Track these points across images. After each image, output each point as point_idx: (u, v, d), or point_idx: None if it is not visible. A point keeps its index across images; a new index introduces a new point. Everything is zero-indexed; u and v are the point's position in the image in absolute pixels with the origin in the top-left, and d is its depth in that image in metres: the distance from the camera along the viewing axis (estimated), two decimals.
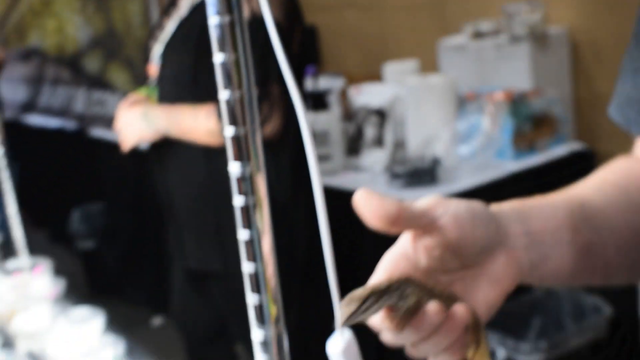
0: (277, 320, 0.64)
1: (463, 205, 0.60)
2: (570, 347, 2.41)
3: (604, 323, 2.51)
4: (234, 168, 0.61)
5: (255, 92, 0.61)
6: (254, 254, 0.62)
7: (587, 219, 0.69)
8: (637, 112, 0.78)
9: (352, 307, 0.53)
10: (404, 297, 0.55)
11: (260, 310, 0.63)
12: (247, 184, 0.62)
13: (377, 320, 0.56)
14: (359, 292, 0.54)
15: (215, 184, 1.97)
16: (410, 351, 0.60)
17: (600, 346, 2.50)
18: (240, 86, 0.60)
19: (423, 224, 0.58)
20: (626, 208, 0.73)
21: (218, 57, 0.59)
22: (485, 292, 0.61)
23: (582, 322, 2.48)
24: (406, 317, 0.55)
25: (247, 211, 0.62)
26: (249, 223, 0.63)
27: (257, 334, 0.63)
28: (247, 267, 0.63)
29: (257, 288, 0.63)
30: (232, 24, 0.59)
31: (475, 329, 0.59)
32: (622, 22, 2.94)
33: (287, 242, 2.07)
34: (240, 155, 0.61)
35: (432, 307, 0.55)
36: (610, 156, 2.95)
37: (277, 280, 0.64)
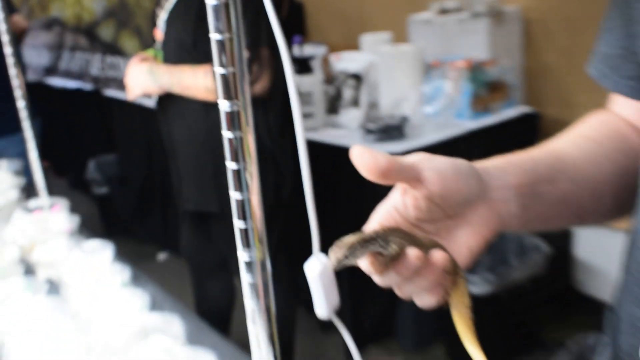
0: (260, 243, 0.62)
1: (446, 161, 0.59)
2: (513, 280, 2.43)
3: (543, 260, 2.52)
4: (224, 106, 0.58)
5: (243, 36, 0.57)
6: (241, 185, 0.59)
7: (563, 171, 0.68)
8: (609, 68, 0.74)
9: (341, 252, 0.52)
10: (389, 244, 0.54)
11: (245, 234, 0.60)
12: (234, 120, 0.59)
13: (365, 265, 0.55)
14: (348, 239, 0.53)
15: (213, 135, 1.95)
16: (396, 291, 0.59)
17: (539, 279, 2.52)
18: (229, 29, 0.57)
19: (410, 177, 0.57)
20: (598, 158, 0.71)
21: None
22: (468, 239, 0.60)
23: (524, 259, 2.49)
24: (389, 262, 0.54)
25: (234, 145, 0.59)
26: (236, 157, 0.60)
27: (242, 255, 0.60)
28: (234, 196, 0.60)
29: (243, 215, 0.60)
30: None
31: (453, 273, 0.57)
32: (567, 4, 2.92)
33: (275, 179, 2.08)
34: (228, 95, 0.58)
35: (412, 253, 0.54)
36: (553, 118, 2.93)
37: (261, 209, 0.61)
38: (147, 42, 2.33)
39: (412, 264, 0.54)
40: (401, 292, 0.58)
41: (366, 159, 0.55)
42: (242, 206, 0.60)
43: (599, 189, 0.71)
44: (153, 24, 2.21)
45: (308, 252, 0.61)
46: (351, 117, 2.72)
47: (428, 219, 0.59)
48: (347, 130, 2.70)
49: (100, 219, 4.12)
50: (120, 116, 3.97)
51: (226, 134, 0.60)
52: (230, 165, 0.60)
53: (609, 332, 0.72)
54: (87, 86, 4.51)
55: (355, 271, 0.58)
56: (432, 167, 0.57)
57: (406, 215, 0.59)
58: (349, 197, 2.53)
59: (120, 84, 3.53)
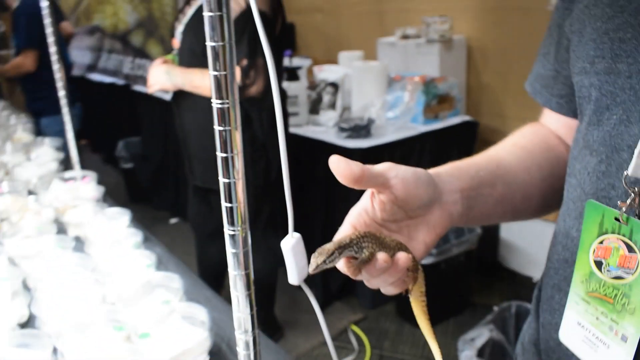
0: (243, 222, 0.57)
1: (409, 170, 0.56)
2: (452, 254, 2.41)
3: (475, 238, 2.50)
4: (216, 103, 0.55)
5: (234, 45, 0.53)
6: (228, 172, 0.56)
7: (501, 176, 0.66)
8: (542, 86, 0.71)
9: (322, 258, 0.51)
10: (361, 249, 0.52)
11: (231, 212, 0.56)
12: (225, 116, 0.55)
13: (341, 266, 0.53)
14: (327, 247, 0.51)
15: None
16: (366, 283, 0.56)
17: (471, 254, 2.51)
18: (222, 38, 0.52)
19: (378, 183, 0.55)
20: (530, 165, 0.69)
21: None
22: (424, 236, 0.58)
23: (461, 237, 2.47)
24: (361, 265, 0.52)
25: (224, 137, 0.56)
26: (225, 148, 0.56)
27: (228, 231, 0.56)
28: (223, 180, 0.56)
29: (229, 199, 0.56)
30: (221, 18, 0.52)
31: (414, 269, 0.56)
32: (502, 36, 2.90)
33: (266, 165, 2.03)
34: (220, 94, 0.55)
35: (381, 257, 0.52)
36: (488, 126, 2.89)
37: (245, 191, 0.57)
38: (168, 49, 2.30)
39: (381, 266, 0.52)
40: (370, 284, 0.56)
41: (342, 167, 0.53)
42: (229, 189, 0.56)
43: (529, 191, 0.68)
44: (172, 34, 2.16)
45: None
46: (329, 117, 2.67)
47: (392, 219, 0.57)
48: (325, 128, 2.65)
49: (126, 189, 4.07)
50: (144, 106, 3.90)
51: (217, 127, 0.56)
52: (220, 154, 0.56)
53: (534, 307, 0.69)
54: (119, 82, 4.43)
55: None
56: (397, 175, 0.55)
57: (374, 217, 0.57)
58: (325, 181, 2.49)
59: (146, 81, 3.48)
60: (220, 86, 0.55)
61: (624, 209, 0.51)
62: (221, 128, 0.56)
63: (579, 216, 0.58)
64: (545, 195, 0.69)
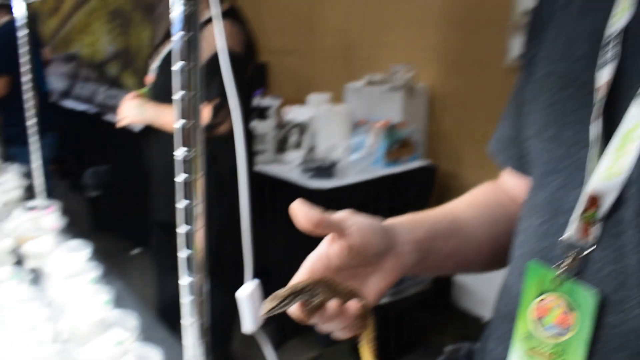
0: (200, 270, 0.57)
1: (365, 220, 0.58)
2: (406, 294, 2.42)
3: (429, 279, 2.52)
4: (180, 153, 0.55)
5: (200, 96, 0.54)
6: (188, 219, 0.55)
7: (455, 230, 0.68)
8: (501, 147, 0.74)
9: (274, 303, 0.51)
10: (315, 295, 0.53)
11: (188, 261, 0.56)
12: (188, 165, 0.56)
13: (293, 312, 0.54)
14: (282, 292, 0.52)
15: None
16: (318, 327, 0.57)
17: (425, 293, 2.52)
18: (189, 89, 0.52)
19: (337, 230, 0.56)
20: (482, 222, 0.71)
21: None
22: (377, 283, 0.59)
23: (415, 278, 2.48)
24: (313, 310, 0.53)
25: (187, 185, 0.56)
26: (189, 194, 0.56)
27: (185, 279, 0.55)
28: (182, 230, 0.55)
29: (188, 245, 0.55)
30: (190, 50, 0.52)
31: (364, 317, 0.57)
32: (462, 85, 2.98)
33: (229, 206, 2.01)
34: (186, 143, 0.55)
35: (332, 304, 0.53)
36: (446, 170, 2.93)
37: (205, 239, 0.57)
38: (142, 82, 2.30)
39: (331, 314, 0.53)
40: (322, 328, 0.57)
41: (302, 214, 0.54)
42: (188, 237, 0.55)
43: (481, 247, 0.70)
44: (146, 70, 2.16)
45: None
46: (294, 156, 2.68)
47: (348, 266, 0.58)
48: (290, 167, 2.66)
49: (91, 217, 3.98)
50: (114, 136, 3.84)
51: (181, 177, 0.56)
52: (181, 203, 0.56)
53: (480, 357, 0.70)
54: (92, 110, 4.38)
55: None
56: (354, 224, 0.56)
57: (331, 262, 0.57)
58: (287, 220, 2.47)
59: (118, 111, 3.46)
60: (186, 135, 0.55)
61: (562, 269, 0.53)
62: (185, 177, 0.55)
63: (522, 274, 0.59)
64: (496, 252, 0.71)
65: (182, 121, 0.53)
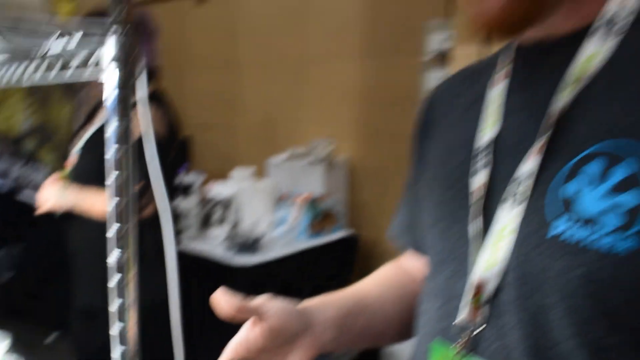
0: (133, 343, 0.59)
1: (282, 303, 0.64)
2: None
3: (355, 351, 2.54)
4: (112, 230, 0.58)
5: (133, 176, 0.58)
6: (122, 294, 0.58)
7: (363, 308, 0.75)
8: (402, 232, 0.82)
9: None
10: None
11: (122, 335, 0.58)
12: (122, 242, 0.59)
13: None
14: None
15: (102, 249, 1.87)
16: None
17: None
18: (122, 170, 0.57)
19: (257, 314, 0.61)
20: (388, 300, 0.78)
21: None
22: None
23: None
24: None
25: (121, 261, 0.58)
26: (121, 269, 0.58)
27: (116, 352, 0.57)
28: (115, 303, 0.58)
29: (121, 318, 0.58)
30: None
31: None
32: (379, 156, 3.12)
33: (157, 283, 1.98)
34: (120, 219, 0.58)
35: None
36: (368, 239, 3.02)
37: (137, 314, 0.60)
38: (61, 158, 2.26)
39: None
40: None
41: (223, 303, 0.58)
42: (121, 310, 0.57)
43: (390, 322, 0.78)
44: (68, 152, 2.12)
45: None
46: (219, 232, 2.69)
47: (269, 347, 0.63)
48: (215, 243, 2.65)
49: (3, 301, 3.73)
50: (31, 215, 3.68)
51: (115, 252, 0.58)
52: (114, 277, 0.58)
53: None
54: (7, 185, 4.19)
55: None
56: (272, 308, 0.62)
57: (253, 345, 0.62)
58: (210, 287, 2.45)
59: (34, 188, 3.35)
60: (119, 212, 0.57)
61: (460, 347, 0.60)
62: (119, 253, 0.57)
63: (427, 351, 0.65)
64: (405, 324, 0.78)
65: (116, 199, 0.57)
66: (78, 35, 0.55)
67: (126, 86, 0.56)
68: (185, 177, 3.03)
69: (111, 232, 0.59)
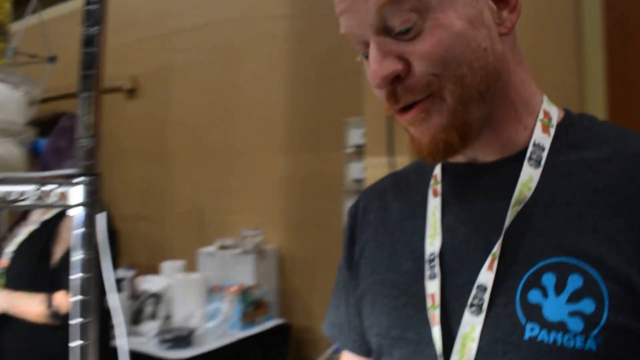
0: None
1: None
2: None
3: None
4: (76, 321, 0.64)
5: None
6: None
7: None
8: (338, 332, 0.82)
9: None
10: None
11: None
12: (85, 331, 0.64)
13: None
14: None
15: (40, 352, 1.86)
16: None
17: None
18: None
19: None
20: None
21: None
22: None
23: None
24: None
25: (83, 350, 0.64)
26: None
27: None
28: None
29: None
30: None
31: None
32: (307, 246, 3.23)
33: None
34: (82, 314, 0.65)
35: None
36: (300, 326, 3.09)
37: None
38: None
39: None
40: None
41: None
42: None
43: None
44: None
45: None
46: (150, 327, 2.65)
47: None
48: (146, 339, 2.61)
49: None
50: None
51: (76, 342, 0.64)
52: None
53: None
54: None
55: None
56: None
57: None
58: None
59: None
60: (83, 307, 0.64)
61: None
62: (79, 343, 0.63)
63: None
64: None
65: (80, 297, 0.65)
66: (50, 186, 0.66)
67: (91, 225, 0.67)
68: (116, 273, 3.01)
69: (75, 321, 0.66)
